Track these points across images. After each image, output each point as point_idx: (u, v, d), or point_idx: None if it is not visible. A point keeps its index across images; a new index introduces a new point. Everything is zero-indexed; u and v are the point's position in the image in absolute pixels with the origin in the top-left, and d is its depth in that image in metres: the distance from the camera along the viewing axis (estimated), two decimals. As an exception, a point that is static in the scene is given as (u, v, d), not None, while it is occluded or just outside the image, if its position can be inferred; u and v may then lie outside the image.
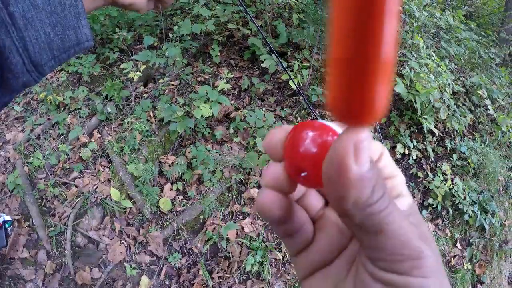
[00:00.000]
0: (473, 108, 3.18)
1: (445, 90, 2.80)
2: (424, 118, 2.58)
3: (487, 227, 2.62)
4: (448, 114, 2.68)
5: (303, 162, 0.19)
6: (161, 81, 2.09)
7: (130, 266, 1.88)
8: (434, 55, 2.97)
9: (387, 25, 0.14)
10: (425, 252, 0.18)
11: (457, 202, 2.58)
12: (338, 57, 0.15)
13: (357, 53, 0.14)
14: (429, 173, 2.61)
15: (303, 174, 0.19)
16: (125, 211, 1.93)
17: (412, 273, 0.18)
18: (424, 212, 2.56)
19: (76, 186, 2.03)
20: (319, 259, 0.22)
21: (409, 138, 2.56)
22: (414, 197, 2.54)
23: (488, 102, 3.04)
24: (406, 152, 2.52)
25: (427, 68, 2.81)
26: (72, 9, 0.32)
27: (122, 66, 2.09)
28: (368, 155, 0.17)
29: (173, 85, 2.11)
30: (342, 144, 0.16)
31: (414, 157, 2.53)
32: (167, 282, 1.91)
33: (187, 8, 2.44)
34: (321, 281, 0.22)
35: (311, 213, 0.23)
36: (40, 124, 2.31)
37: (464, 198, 2.62)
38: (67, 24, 0.31)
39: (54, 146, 2.18)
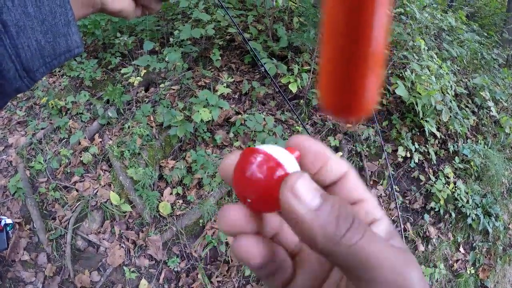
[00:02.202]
0: (476, 109, 3.15)
1: (447, 92, 2.78)
2: (426, 120, 2.56)
3: (490, 230, 2.59)
4: (450, 116, 2.66)
5: (247, 189, 0.19)
6: (162, 85, 2.10)
7: (129, 269, 1.88)
8: (436, 56, 2.95)
9: (376, 18, 0.14)
10: (410, 276, 0.18)
11: (460, 205, 2.56)
12: (329, 51, 0.15)
13: (348, 47, 0.14)
14: (431, 176, 2.59)
15: (248, 200, 0.19)
16: (125, 215, 1.94)
17: None
18: (426, 216, 2.53)
19: (77, 190, 2.04)
20: None
21: (411, 141, 2.54)
22: (416, 200, 2.52)
23: (491, 103, 3.02)
24: (408, 155, 2.51)
25: (429, 70, 2.79)
26: (62, 17, 0.33)
27: (123, 71, 2.11)
28: (315, 193, 0.17)
29: (173, 89, 2.12)
30: (283, 193, 0.17)
31: (416, 160, 2.51)
32: (166, 286, 1.91)
33: (188, 13, 2.45)
34: None
35: (288, 249, 0.22)
36: (42, 129, 2.33)
37: (467, 202, 2.59)
38: (57, 31, 0.32)
39: (55, 150, 2.19)
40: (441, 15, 3.23)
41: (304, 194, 0.17)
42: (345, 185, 0.21)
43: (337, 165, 0.20)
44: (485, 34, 4.11)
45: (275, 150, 0.19)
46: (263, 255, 0.19)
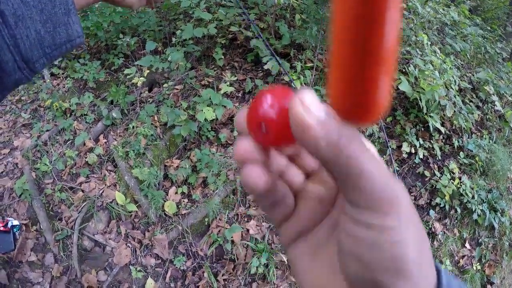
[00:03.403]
0: (480, 104, 3.13)
1: (451, 87, 2.76)
2: (430, 116, 2.55)
3: (496, 226, 2.57)
4: (455, 111, 2.65)
5: (261, 118, 0.20)
6: (165, 85, 2.11)
7: (136, 269, 1.89)
8: (439, 51, 2.93)
9: (389, 18, 0.13)
10: (400, 194, 0.19)
11: (465, 201, 2.54)
12: (340, 54, 0.15)
13: (359, 49, 0.14)
14: (436, 172, 2.58)
15: (264, 130, 0.20)
16: (131, 215, 1.95)
17: (389, 214, 0.19)
18: (432, 212, 2.52)
19: (83, 191, 2.05)
20: (300, 228, 0.24)
21: (415, 136, 2.53)
22: (421, 196, 2.51)
23: (495, 98, 2.99)
24: (413, 151, 2.49)
25: (432, 65, 2.77)
26: (62, 6, 0.32)
27: (126, 71, 2.11)
28: (321, 107, 0.19)
29: (177, 89, 2.12)
30: (294, 107, 0.19)
31: (421, 156, 2.50)
32: (172, 285, 1.92)
33: (190, 12, 2.45)
34: (302, 247, 0.24)
35: (292, 187, 0.24)
36: (47, 130, 2.35)
37: (473, 197, 2.57)
38: (57, 21, 0.31)
39: (61, 152, 2.21)
40: (443, 9, 3.21)
41: (312, 107, 0.19)
42: None
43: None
44: (488, 28, 4.08)
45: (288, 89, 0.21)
46: (266, 183, 0.21)
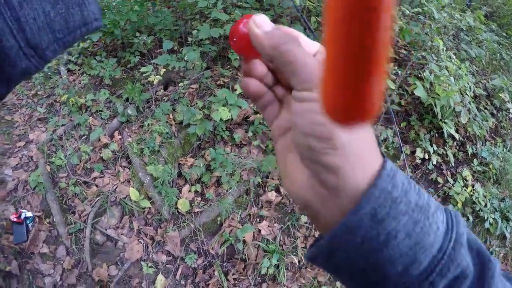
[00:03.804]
0: (495, 111, 3.09)
1: (466, 94, 2.73)
2: (444, 122, 2.53)
3: (508, 235, 2.54)
4: (469, 118, 2.62)
5: (233, 34, 0.29)
6: (181, 84, 2.12)
7: (147, 264, 1.90)
8: (454, 57, 2.90)
9: (383, 16, 0.13)
10: None
11: (477, 209, 2.51)
12: (333, 52, 0.15)
13: (351, 51, 0.14)
14: (449, 178, 2.55)
15: (234, 39, 0.29)
16: (144, 211, 1.97)
17: (316, 89, 0.23)
18: (444, 218, 2.49)
19: (97, 186, 2.08)
20: (282, 126, 0.30)
21: (429, 142, 2.50)
22: (433, 203, 2.49)
23: (510, 105, 2.95)
24: (426, 157, 2.47)
25: (447, 71, 2.75)
26: None
27: (142, 69, 2.13)
28: (268, 24, 0.27)
29: (192, 88, 2.13)
30: (249, 25, 0.27)
31: (434, 162, 2.48)
32: (182, 282, 1.93)
33: (206, 13, 2.47)
34: (282, 141, 0.30)
35: (278, 97, 0.31)
36: (63, 125, 2.38)
37: (485, 205, 2.54)
38: (70, 1, 0.28)
39: (75, 147, 2.24)
40: (460, 15, 3.18)
41: (261, 24, 0.26)
42: (319, 57, 0.27)
43: (311, 44, 0.28)
44: (504, 34, 4.02)
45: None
46: (257, 88, 0.30)
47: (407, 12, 3.08)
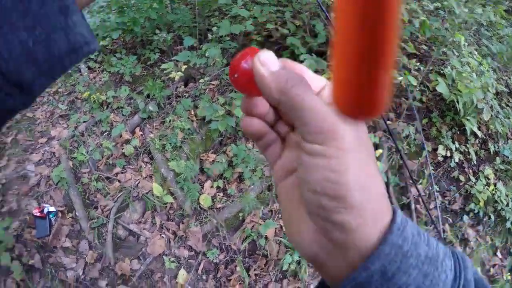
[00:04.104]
0: (517, 109, 3.01)
1: (488, 90, 2.67)
2: (467, 119, 2.48)
3: (533, 235, 2.47)
4: (492, 115, 2.56)
5: (234, 70, 0.27)
6: (201, 80, 2.13)
7: (169, 259, 1.92)
8: (476, 53, 2.84)
9: (394, 18, 0.13)
10: (339, 127, 0.22)
11: (499, 208, 2.46)
12: (343, 50, 0.15)
13: (363, 44, 0.14)
14: (471, 177, 2.50)
15: (235, 75, 0.27)
16: (166, 206, 1.98)
17: (329, 143, 0.22)
18: (465, 217, 2.45)
19: (119, 181, 2.10)
20: (286, 167, 0.29)
21: (451, 139, 2.46)
22: (455, 201, 2.44)
23: (534, 103, 2.88)
24: (448, 154, 2.43)
25: (469, 67, 2.69)
26: (54, 3, 0.22)
27: (163, 66, 2.15)
28: (274, 62, 0.24)
29: (213, 84, 2.14)
30: (254, 64, 0.25)
31: (456, 160, 2.43)
32: (204, 277, 1.93)
33: (224, 10, 2.47)
34: (287, 183, 0.28)
35: (281, 136, 0.30)
36: (84, 122, 2.42)
37: (507, 205, 2.49)
38: (50, 24, 0.22)
39: (97, 143, 2.27)
40: (483, 10, 3.10)
41: (267, 62, 0.24)
42: (326, 93, 0.26)
43: (319, 79, 0.27)
44: (525, 31, 3.91)
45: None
46: (259, 128, 0.28)
47: (427, 7, 3.02)
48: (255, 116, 0.28)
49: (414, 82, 2.36)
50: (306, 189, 0.23)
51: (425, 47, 2.80)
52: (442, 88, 2.35)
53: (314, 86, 0.26)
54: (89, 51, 0.24)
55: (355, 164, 0.22)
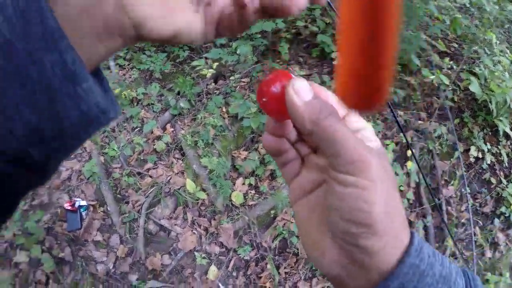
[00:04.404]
0: (550, 110, 2.92)
1: (521, 90, 2.60)
2: (499, 119, 2.42)
3: None
4: (525, 116, 2.49)
5: (263, 93, 0.27)
6: (232, 78, 2.14)
7: (201, 255, 1.94)
8: (508, 51, 2.77)
9: (391, 13, 0.14)
10: (370, 159, 0.23)
11: (532, 212, 2.39)
12: (348, 42, 0.15)
13: (366, 37, 0.14)
14: (502, 179, 2.44)
15: (264, 99, 0.27)
16: (198, 202, 2.00)
17: (360, 175, 0.23)
18: (496, 220, 2.39)
19: (150, 176, 2.13)
20: (303, 187, 0.29)
21: (482, 141, 2.40)
22: (486, 204, 2.39)
23: None
24: (480, 155, 2.38)
25: (501, 66, 2.62)
26: (57, 67, 0.18)
27: (194, 63, 2.17)
28: (308, 92, 0.25)
29: (244, 82, 2.15)
30: (287, 91, 0.25)
31: (488, 162, 2.38)
32: (234, 274, 1.95)
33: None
34: (304, 204, 0.29)
35: (301, 155, 0.31)
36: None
37: (540, 209, 2.42)
38: (55, 95, 0.19)
39: (128, 138, 2.30)
40: (515, 7, 3.01)
41: (300, 91, 0.25)
42: (350, 119, 0.28)
43: (358, 121, 0.28)
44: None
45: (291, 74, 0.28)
46: (278, 146, 0.29)
47: (455, 3, 2.96)
48: (278, 136, 0.29)
49: (447, 81, 2.32)
50: (334, 215, 0.24)
51: (455, 45, 2.74)
52: (475, 87, 2.30)
53: (340, 113, 0.26)
54: (108, 121, 0.21)
55: (383, 194, 0.23)
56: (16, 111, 0.18)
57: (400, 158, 2.19)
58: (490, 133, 2.49)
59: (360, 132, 0.27)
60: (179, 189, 2.02)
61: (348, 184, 0.23)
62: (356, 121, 0.28)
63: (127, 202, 2.18)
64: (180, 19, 0.23)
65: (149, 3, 0.21)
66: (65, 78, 0.18)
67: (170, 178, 2.07)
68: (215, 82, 2.28)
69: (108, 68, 2.79)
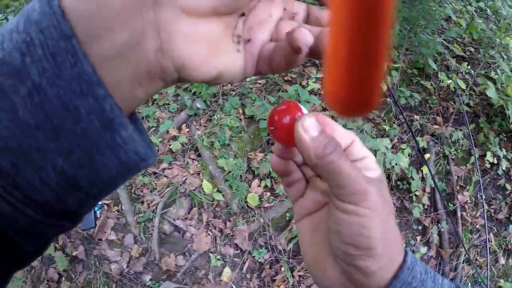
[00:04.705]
0: None
1: (537, 96, 2.57)
2: (515, 125, 2.39)
3: None
4: (541, 122, 2.46)
5: (274, 122, 0.29)
6: (248, 79, 2.14)
7: (215, 257, 1.94)
8: (524, 57, 2.74)
9: (385, 12, 0.13)
10: (369, 190, 0.25)
11: (548, 219, 2.37)
12: (337, 44, 0.15)
13: (357, 44, 0.14)
14: (517, 185, 2.42)
15: (272, 128, 0.29)
16: (213, 204, 2.00)
17: (360, 204, 0.25)
18: (511, 227, 2.37)
19: (166, 176, 2.14)
20: (307, 207, 0.31)
21: (498, 146, 2.39)
22: (501, 210, 2.37)
23: None
24: (495, 161, 2.36)
25: (517, 71, 2.60)
26: (94, 117, 0.17)
27: (209, 63, 2.16)
28: (315, 129, 0.26)
29: (260, 83, 2.15)
30: (296, 127, 0.27)
31: (504, 168, 2.36)
32: (248, 276, 1.95)
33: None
34: (307, 223, 0.31)
35: (306, 177, 0.33)
36: (129, 117, 2.46)
37: (555, 215, 2.39)
38: (92, 145, 0.18)
39: (143, 138, 2.31)
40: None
41: (308, 128, 0.26)
42: (353, 149, 0.29)
43: (348, 134, 0.29)
44: None
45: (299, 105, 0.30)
46: (287, 167, 0.32)
47: (470, 7, 2.93)
48: (285, 159, 0.31)
49: (463, 86, 2.30)
50: (335, 238, 0.27)
51: (471, 49, 2.72)
52: (491, 92, 2.28)
53: (343, 143, 0.28)
54: (147, 167, 0.20)
55: (381, 220, 0.26)
56: (48, 161, 0.17)
57: (416, 163, 2.18)
58: (506, 139, 2.47)
59: (363, 161, 0.29)
60: (194, 190, 2.03)
61: (349, 212, 0.25)
62: (359, 150, 0.29)
63: (142, 202, 2.19)
64: (223, 61, 0.23)
65: (194, 47, 0.21)
66: (102, 127, 0.17)
67: (186, 179, 2.07)
68: (231, 83, 2.28)
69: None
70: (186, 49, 0.20)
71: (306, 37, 0.22)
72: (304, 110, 0.29)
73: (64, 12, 0.16)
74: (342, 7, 0.14)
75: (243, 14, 0.24)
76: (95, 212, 2.22)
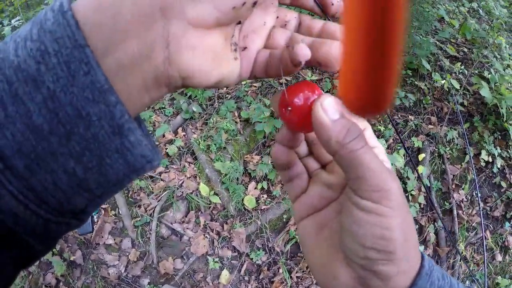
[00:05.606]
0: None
1: (531, 94, 2.60)
2: (510, 124, 2.42)
3: None
4: (535, 120, 2.49)
5: (289, 103, 0.26)
6: (243, 82, 2.15)
7: (213, 259, 1.95)
8: (517, 56, 2.77)
9: (398, 16, 0.13)
10: (393, 186, 0.23)
11: (543, 216, 2.39)
12: (353, 47, 0.15)
13: (371, 47, 0.14)
14: (513, 183, 2.44)
15: (285, 109, 0.26)
16: (210, 207, 2.01)
17: (383, 202, 0.23)
18: (507, 224, 2.39)
19: (162, 180, 2.14)
20: (310, 206, 0.29)
21: (493, 145, 2.41)
22: (496, 208, 2.39)
23: None
24: (490, 160, 2.38)
25: (511, 70, 2.63)
26: (105, 122, 0.18)
27: (205, 67, 2.17)
28: (337, 111, 0.23)
29: (255, 86, 2.16)
30: (315, 108, 0.24)
31: (499, 166, 2.38)
32: (246, 278, 1.95)
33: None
34: (310, 224, 0.28)
35: (308, 171, 0.30)
36: (125, 121, 2.46)
37: (550, 212, 2.42)
38: (102, 149, 0.19)
39: (140, 142, 2.31)
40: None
41: (329, 109, 0.24)
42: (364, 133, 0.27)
43: (360, 122, 0.26)
44: None
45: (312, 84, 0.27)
46: (288, 158, 0.28)
47: (464, 7, 2.96)
48: (289, 147, 0.28)
49: (457, 86, 2.32)
50: (352, 241, 0.24)
51: (465, 50, 2.74)
52: (485, 92, 2.30)
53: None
54: (152, 169, 0.21)
55: (401, 221, 0.23)
56: (60, 164, 0.18)
57: (411, 163, 2.19)
58: (500, 137, 2.50)
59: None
60: (191, 193, 2.03)
61: (369, 211, 0.23)
62: (370, 139, 0.26)
63: (139, 206, 2.19)
64: (224, 69, 0.24)
65: (201, 58, 0.22)
66: (112, 132, 0.18)
67: (183, 182, 2.08)
68: (227, 86, 2.29)
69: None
70: (193, 60, 0.21)
71: (305, 51, 0.23)
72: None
73: (78, 23, 0.17)
74: (357, 16, 0.14)
75: (239, 22, 0.25)
76: (92, 217, 2.22)
